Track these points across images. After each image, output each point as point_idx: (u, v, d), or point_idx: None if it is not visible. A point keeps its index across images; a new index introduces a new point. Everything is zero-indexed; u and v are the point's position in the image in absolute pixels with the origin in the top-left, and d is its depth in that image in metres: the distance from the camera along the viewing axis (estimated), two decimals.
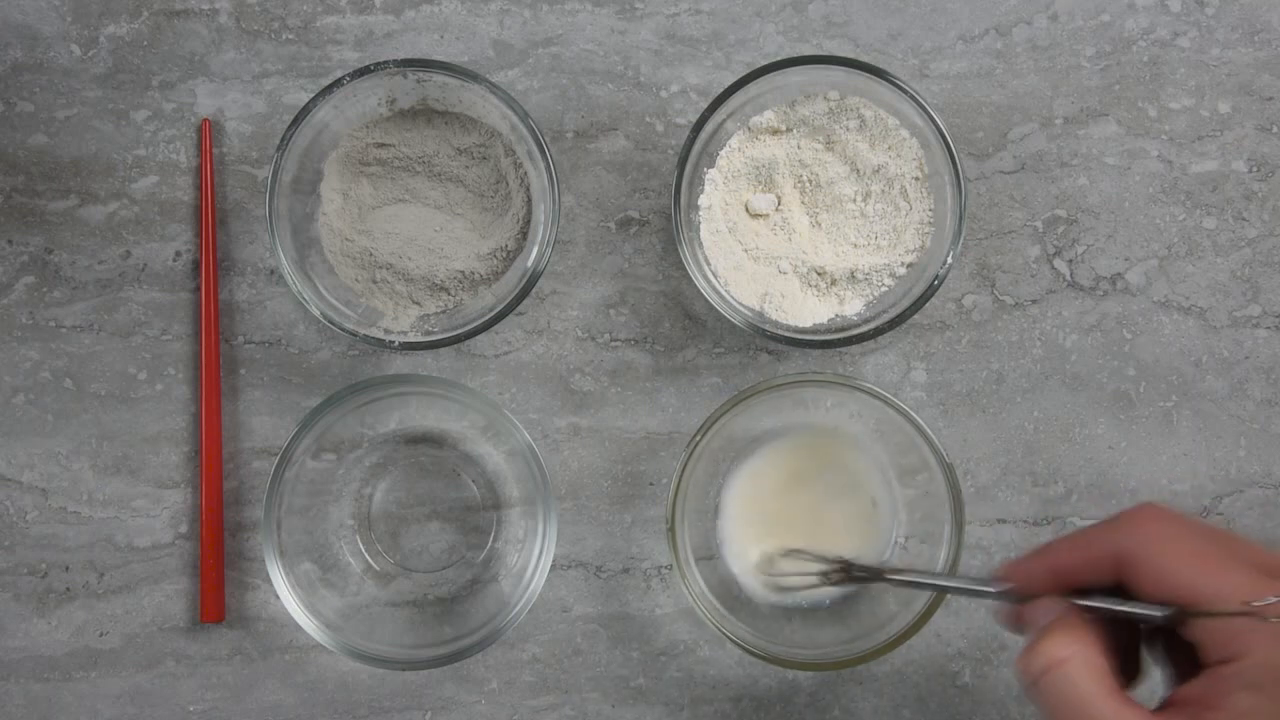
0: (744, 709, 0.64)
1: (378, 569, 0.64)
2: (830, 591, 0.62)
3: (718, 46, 0.64)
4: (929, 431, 0.58)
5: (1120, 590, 0.46)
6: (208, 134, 0.64)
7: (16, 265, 0.64)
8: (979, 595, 0.51)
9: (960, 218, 0.58)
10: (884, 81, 0.58)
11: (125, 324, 0.64)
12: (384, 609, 0.63)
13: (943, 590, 0.55)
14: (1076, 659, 0.44)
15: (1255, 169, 0.64)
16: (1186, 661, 0.45)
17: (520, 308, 0.61)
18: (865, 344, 0.63)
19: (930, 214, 0.60)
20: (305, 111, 0.59)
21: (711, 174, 0.61)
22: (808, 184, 0.61)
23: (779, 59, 0.59)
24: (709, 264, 0.61)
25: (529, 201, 0.61)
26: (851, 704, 0.64)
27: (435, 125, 0.62)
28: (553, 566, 0.62)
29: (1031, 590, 0.48)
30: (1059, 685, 0.44)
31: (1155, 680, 0.48)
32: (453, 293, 0.62)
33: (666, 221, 0.64)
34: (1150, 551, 0.44)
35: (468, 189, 0.63)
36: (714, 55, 0.64)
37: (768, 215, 0.62)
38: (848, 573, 0.57)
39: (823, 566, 0.58)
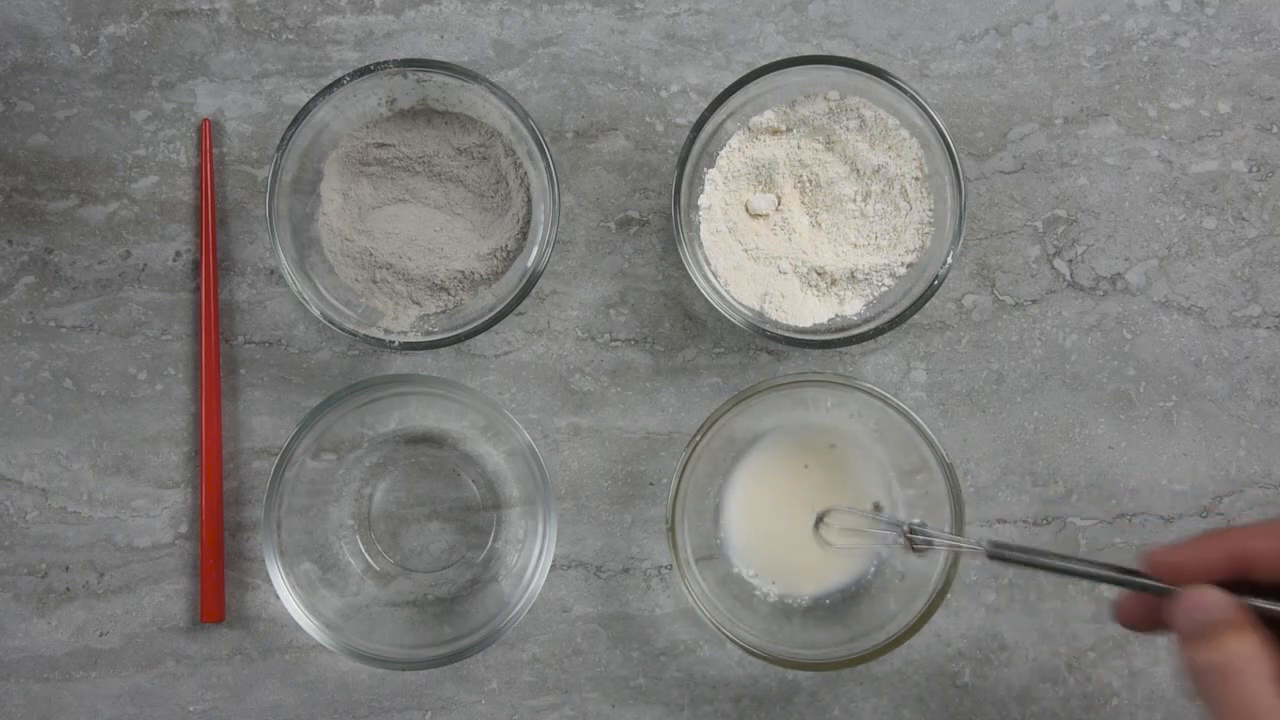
0: (744, 709, 0.64)
1: (378, 569, 0.64)
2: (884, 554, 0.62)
3: (718, 46, 0.64)
4: (929, 431, 0.58)
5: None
6: (208, 134, 0.64)
7: (16, 265, 0.64)
8: (1120, 583, 0.46)
9: (960, 218, 0.58)
10: (884, 81, 0.58)
11: (125, 324, 0.64)
12: (384, 609, 0.63)
13: (1068, 574, 0.49)
14: (1256, 664, 0.41)
15: (1255, 169, 0.64)
16: None
17: (520, 308, 0.61)
18: (865, 344, 0.63)
19: (930, 214, 0.60)
20: (305, 111, 0.59)
21: (711, 174, 0.61)
22: (808, 184, 0.61)
23: (779, 59, 0.59)
24: (709, 264, 0.61)
25: (529, 201, 0.61)
26: (851, 704, 0.64)
27: (435, 125, 0.62)
28: (553, 566, 0.62)
29: (1186, 579, 0.44)
30: (1237, 690, 0.41)
31: None
32: (453, 293, 0.62)
33: (666, 221, 0.64)
34: None
35: (468, 189, 0.63)
36: (714, 55, 0.64)
37: (768, 215, 0.62)
38: (922, 539, 0.55)
39: (885, 531, 0.57)
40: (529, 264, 0.60)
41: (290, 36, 0.64)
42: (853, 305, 0.61)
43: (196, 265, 0.64)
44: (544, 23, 0.64)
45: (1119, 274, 0.64)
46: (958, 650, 0.64)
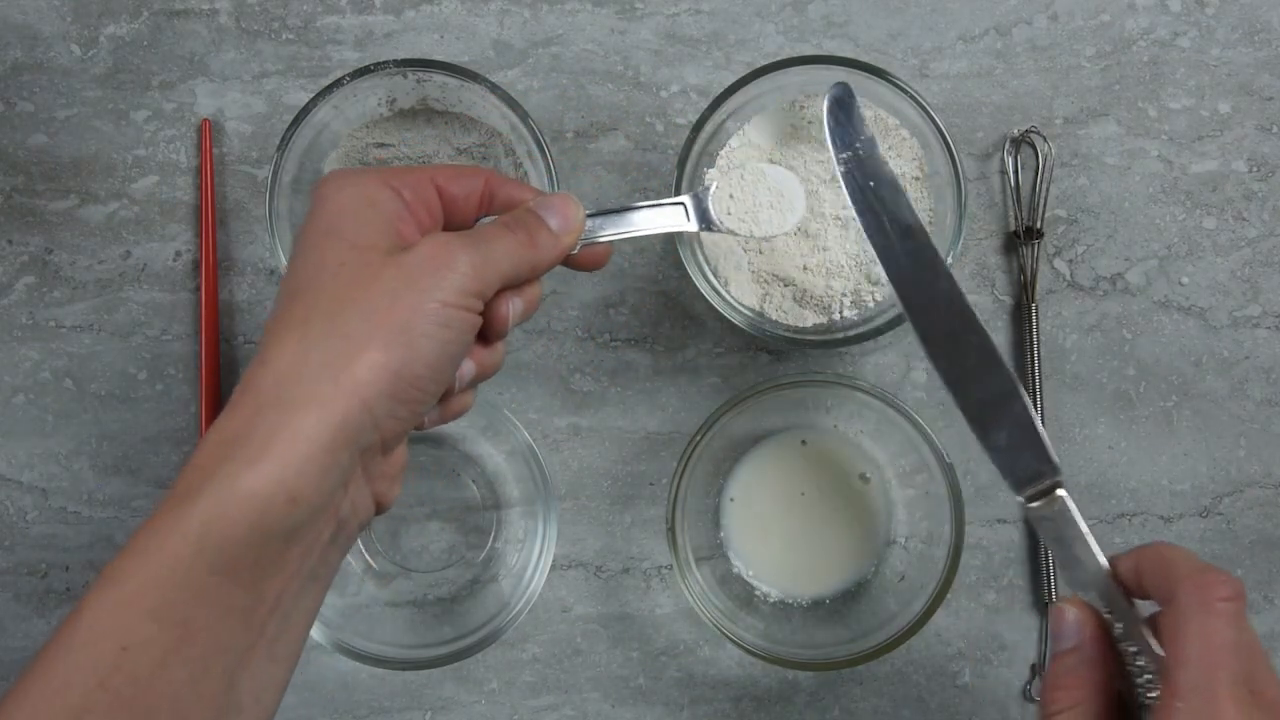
0: (744, 709, 0.64)
1: (378, 569, 0.64)
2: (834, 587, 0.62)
3: (718, 46, 0.64)
4: (929, 431, 0.58)
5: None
6: (208, 134, 0.64)
7: (16, 265, 0.64)
8: None
9: (960, 218, 0.58)
10: (884, 81, 0.58)
11: (125, 324, 0.64)
12: (384, 609, 0.63)
13: None
14: (1078, 710, 0.46)
15: (1255, 169, 0.64)
16: None
17: None
18: (865, 344, 0.63)
19: (930, 214, 0.60)
20: (305, 111, 0.59)
21: (711, 174, 0.61)
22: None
23: (779, 59, 0.59)
24: (709, 264, 0.61)
25: None
26: (851, 704, 0.64)
27: (435, 125, 0.62)
28: (553, 566, 0.62)
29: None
30: None
31: None
32: None
33: None
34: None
35: None
36: (714, 55, 0.64)
37: None
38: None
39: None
40: None
41: (290, 36, 0.64)
42: (853, 305, 0.61)
43: (196, 265, 0.64)
44: (544, 23, 0.64)
45: (1119, 274, 0.64)
46: (958, 650, 0.64)
